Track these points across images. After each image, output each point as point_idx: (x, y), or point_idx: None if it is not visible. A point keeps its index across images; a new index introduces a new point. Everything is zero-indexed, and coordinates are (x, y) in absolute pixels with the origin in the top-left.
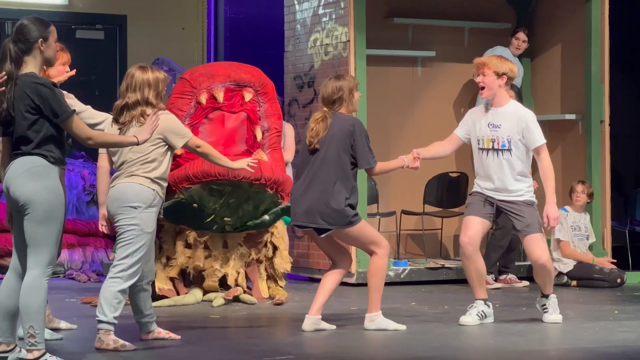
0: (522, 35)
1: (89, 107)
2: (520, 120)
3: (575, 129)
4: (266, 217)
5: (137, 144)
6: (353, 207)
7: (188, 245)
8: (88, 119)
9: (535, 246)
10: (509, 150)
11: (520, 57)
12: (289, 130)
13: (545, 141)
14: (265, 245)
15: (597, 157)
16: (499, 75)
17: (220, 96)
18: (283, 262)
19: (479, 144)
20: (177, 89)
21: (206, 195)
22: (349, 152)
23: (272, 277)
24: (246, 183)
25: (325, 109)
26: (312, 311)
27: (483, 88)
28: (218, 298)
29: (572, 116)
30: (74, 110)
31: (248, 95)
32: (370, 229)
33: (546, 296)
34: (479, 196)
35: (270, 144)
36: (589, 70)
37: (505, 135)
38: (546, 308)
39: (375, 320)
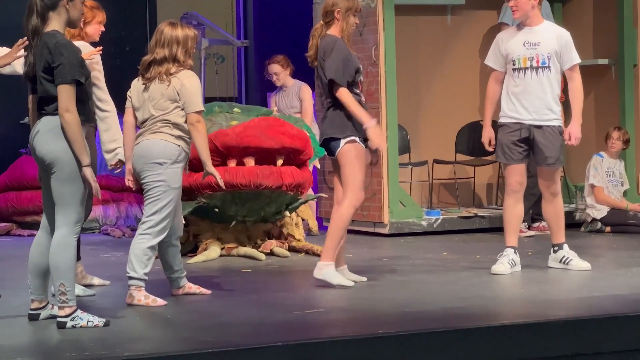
0: None
1: (106, 90)
2: (561, 37)
3: (608, 74)
4: (287, 212)
5: (83, 166)
6: (356, 127)
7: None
8: (96, 100)
9: (554, 178)
10: (549, 67)
11: (551, 1)
12: (307, 94)
13: (580, 60)
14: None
15: (630, 102)
16: None
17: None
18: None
19: (514, 64)
20: None
21: (228, 202)
22: None
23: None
24: (268, 191)
25: (321, 22)
26: (335, 264)
27: (516, 11)
28: (258, 254)
29: (605, 61)
30: (73, 80)
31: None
32: (360, 174)
33: (560, 246)
34: (509, 136)
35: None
36: (621, 13)
37: (546, 52)
38: (568, 258)
39: (323, 269)
